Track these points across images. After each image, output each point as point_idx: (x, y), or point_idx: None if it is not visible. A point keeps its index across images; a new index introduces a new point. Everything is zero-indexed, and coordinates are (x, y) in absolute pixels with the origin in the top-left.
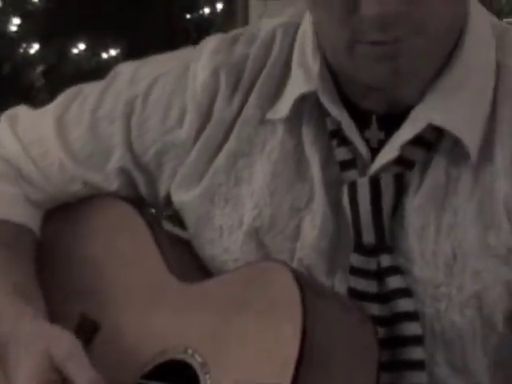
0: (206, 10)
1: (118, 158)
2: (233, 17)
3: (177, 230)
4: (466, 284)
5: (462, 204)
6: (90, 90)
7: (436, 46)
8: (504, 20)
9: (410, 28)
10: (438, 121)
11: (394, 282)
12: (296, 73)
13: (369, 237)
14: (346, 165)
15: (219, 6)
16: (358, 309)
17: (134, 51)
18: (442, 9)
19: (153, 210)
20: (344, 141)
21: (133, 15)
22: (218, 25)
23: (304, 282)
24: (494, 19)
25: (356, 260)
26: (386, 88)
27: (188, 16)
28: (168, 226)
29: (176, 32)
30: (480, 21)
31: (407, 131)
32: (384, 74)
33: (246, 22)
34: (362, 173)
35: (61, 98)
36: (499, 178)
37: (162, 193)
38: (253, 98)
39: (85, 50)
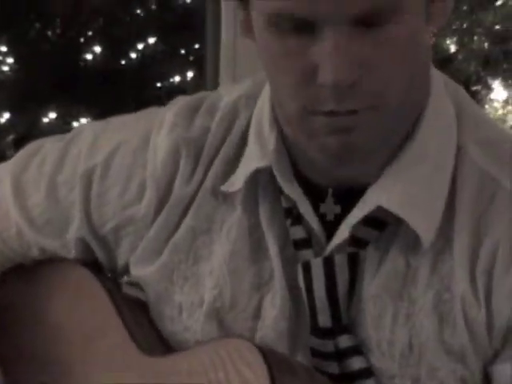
0: (177, 78)
1: (76, 228)
2: (203, 84)
3: (139, 294)
4: (421, 377)
5: (420, 294)
6: (49, 147)
7: (392, 122)
8: (473, 88)
9: (366, 100)
10: (387, 204)
11: (355, 364)
12: (252, 146)
13: (324, 319)
14: (300, 244)
15: (190, 74)
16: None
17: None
18: (399, 83)
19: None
20: (298, 219)
21: (103, 84)
22: (189, 92)
23: (272, 360)
24: (457, 94)
25: (313, 342)
26: (337, 164)
27: (159, 84)
28: (129, 289)
29: (147, 100)
30: (441, 99)
31: (358, 212)
32: (336, 147)
33: (215, 89)
34: (318, 252)
35: (20, 154)
36: (457, 272)
37: (121, 263)
38: (211, 174)
39: (56, 119)
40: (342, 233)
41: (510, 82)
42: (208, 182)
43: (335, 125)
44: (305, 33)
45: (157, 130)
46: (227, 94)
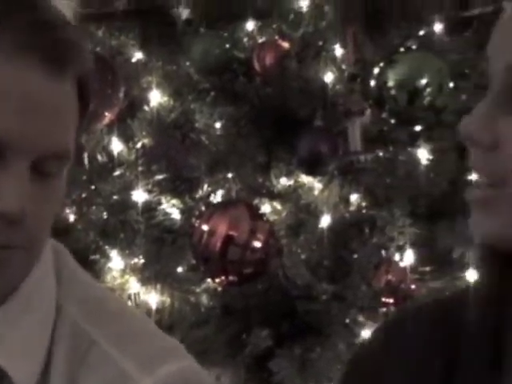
0: None
1: None
2: None
3: None
4: None
5: None
6: None
7: (27, 268)
8: (91, 257)
9: (22, 240)
10: None
11: None
12: None
13: None
14: None
15: None
16: None
17: None
18: (47, 233)
19: None
20: None
21: None
22: None
23: None
24: (57, 253)
25: None
26: None
27: None
28: None
29: None
30: (43, 254)
31: None
32: None
33: None
34: None
35: None
36: None
37: None
38: None
39: None
40: None
41: (127, 251)
42: None
43: None
44: None
45: None
46: None
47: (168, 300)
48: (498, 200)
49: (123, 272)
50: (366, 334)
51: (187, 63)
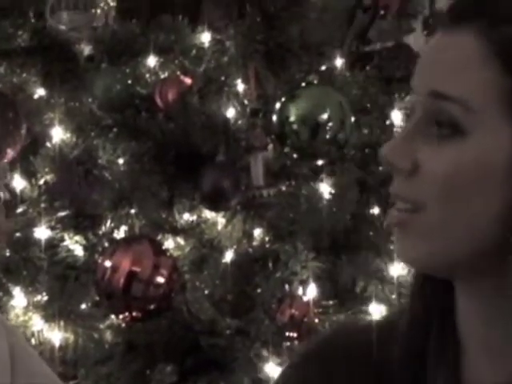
0: None
1: None
2: None
3: None
4: None
5: None
6: None
7: None
8: None
9: None
10: None
11: None
12: None
13: None
14: None
15: None
16: None
17: None
18: None
19: None
20: None
21: None
22: None
23: None
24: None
25: None
26: None
27: None
28: None
29: None
30: None
31: None
32: None
33: None
34: None
35: None
36: None
37: None
38: None
39: None
40: None
41: (30, 288)
42: None
43: None
44: None
45: None
46: None
47: (72, 337)
48: (417, 225)
49: (26, 309)
50: (269, 368)
51: (89, 99)
